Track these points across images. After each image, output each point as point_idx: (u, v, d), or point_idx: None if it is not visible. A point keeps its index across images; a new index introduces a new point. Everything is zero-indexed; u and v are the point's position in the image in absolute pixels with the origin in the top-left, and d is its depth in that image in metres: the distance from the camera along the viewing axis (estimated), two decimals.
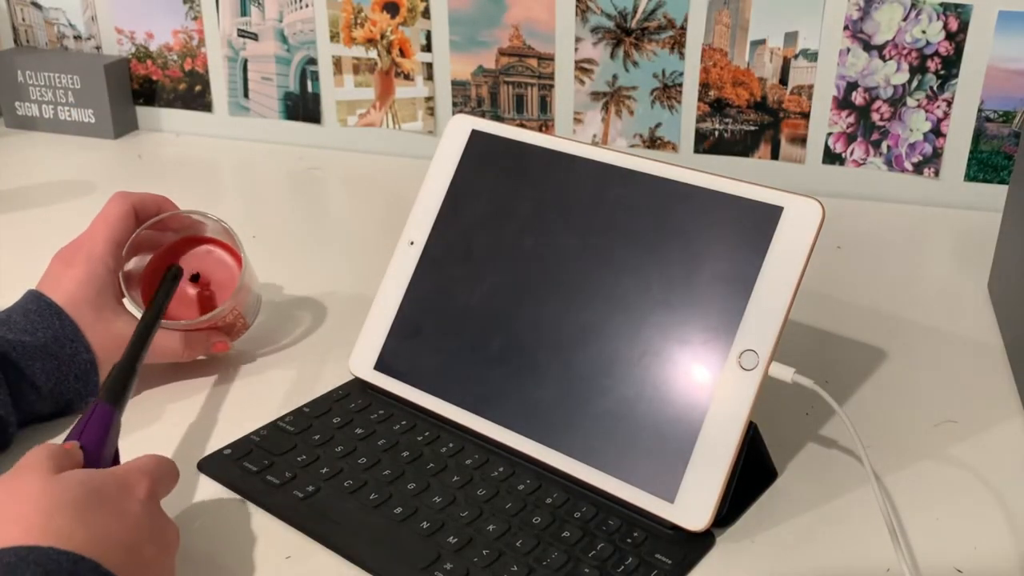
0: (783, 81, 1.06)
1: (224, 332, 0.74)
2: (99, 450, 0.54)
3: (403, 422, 0.67)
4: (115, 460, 0.56)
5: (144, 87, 1.27)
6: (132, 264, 0.72)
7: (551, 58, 1.12)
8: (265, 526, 0.59)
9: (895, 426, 0.69)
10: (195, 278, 0.73)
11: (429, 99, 1.18)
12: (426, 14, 1.14)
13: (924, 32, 1.01)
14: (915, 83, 1.03)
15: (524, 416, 0.64)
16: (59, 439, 0.65)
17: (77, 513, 0.46)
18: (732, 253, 0.60)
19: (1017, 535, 0.59)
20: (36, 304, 0.66)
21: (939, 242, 1.01)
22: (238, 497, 0.61)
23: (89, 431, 0.54)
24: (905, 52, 1.02)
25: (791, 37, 1.05)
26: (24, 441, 0.65)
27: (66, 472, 0.49)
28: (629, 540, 0.57)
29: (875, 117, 1.05)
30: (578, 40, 1.11)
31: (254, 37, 1.21)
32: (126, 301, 0.70)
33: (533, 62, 1.13)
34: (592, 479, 0.60)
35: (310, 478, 0.62)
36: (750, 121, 1.09)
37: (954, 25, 1.00)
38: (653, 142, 1.12)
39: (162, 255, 0.74)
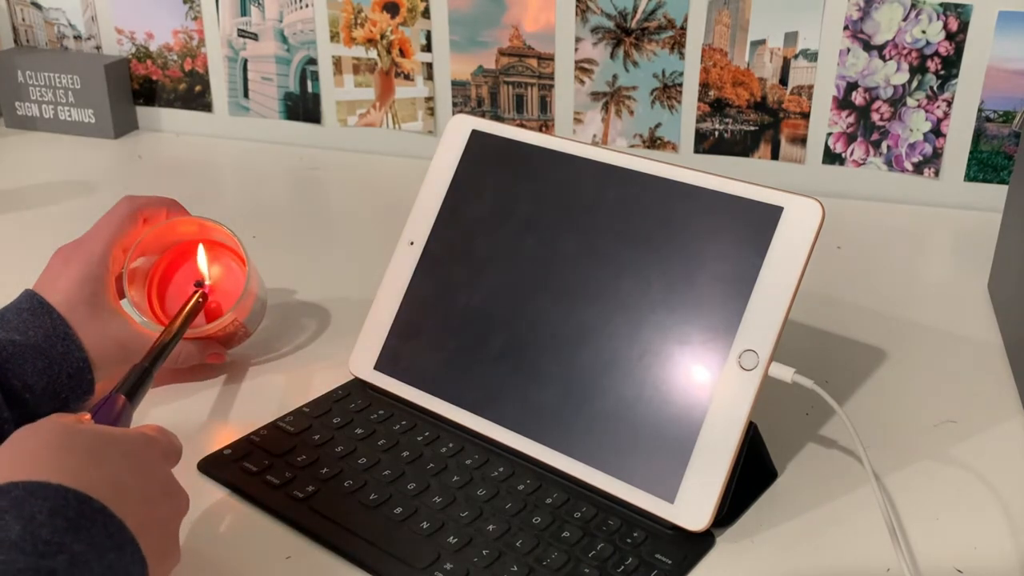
0: (783, 81, 1.06)
1: (223, 341, 0.74)
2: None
3: (403, 422, 0.67)
4: None
5: (144, 87, 1.27)
6: (137, 263, 0.72)
7: (551, 58, 1.12)
8: (265, 526, 0.59)
9: (895, 426, 0.69)
10: (199, 284, 0.73)
11: (429, 99, 1.18)
12: (426, 14, 1.14)
13: (924, 32, 1.01)
14: (915, 83, 1.03)
15: (524, 416, 0.64)
16: None
17: (91, 455, 0.46)
18: (732, 253, 0.60)
19: (1017, 535, 0.59)
20: (29, 303, 0.66)
21: (939, 242, 1.01)
22: (238, 497, 0.61)
23: (101, 414, 0.55)
24: (905, 52, 1.02)
25: (791, 37, 1.05)
26: None
27: (86, 424, 0.50)
28: (629, 540, 0.57)
29: (875, 117, 1.05)
30: (578, 40, 1.11)
31: (254, 37, 1.21)
32: (124, 302, 0.70)
33: (533, 62, 1.13)
34: (592, 479, 0.60)
35: (310, 478, 0.62)
36: (750, 121, 1.09)
37: (954, 25, 1.00)
38: (653, 142, 1.12)
39: (169, 257, 0.74)
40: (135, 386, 0.59)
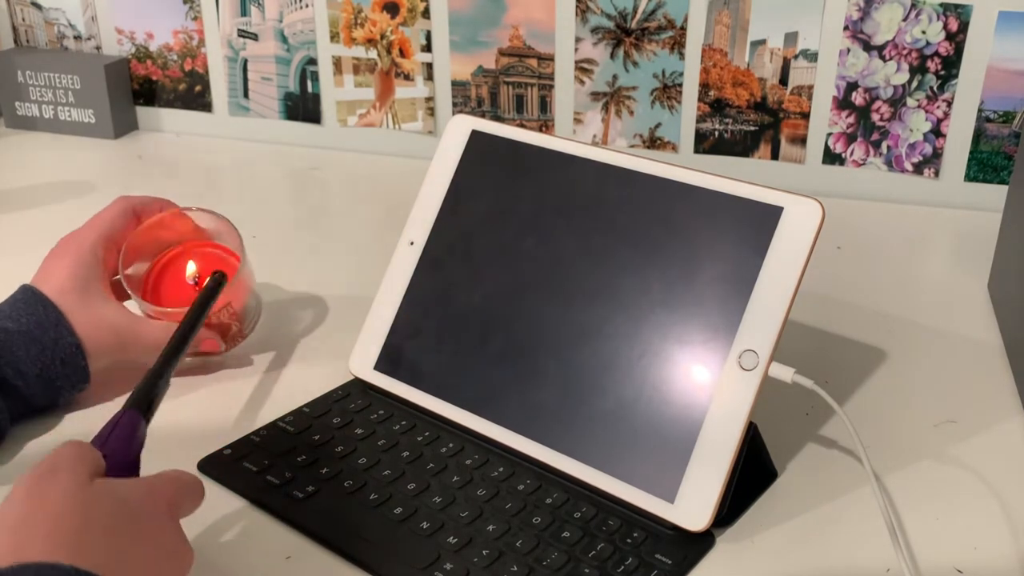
0: (783, 81, 1.06)
1: (216, 331, 0.73)
2: (122, 458, 0.53)
3: (403, 422, 0.67)
4: (136, 467, 0.54)
5: (144, 87, 1.27)
6: (133, 270, 0.72)
7: (551, 58, 1.12)
8: (265, 526, 0.59)
9: (895, 426, 0.69)
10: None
11: (429, 99, 1.18)
12: (426, 14, 1.14)
13: (924, 32, 1.01)
14: (915, 83, 1.03)
15: (524, 416, 0.64)
16: (59, 430, 0.66)
17: (104, 532, 0.46)
18: (732, 253, 0.60)
19: (1017, 535, 0.59)
20: (23, 295, 0.67)
21: (939, 242, 1.01)
22: (238, 497, 0.61)
23: (115, 439, 0.53)
24: (905, 52, 1.02)
25: (791, 37, 1.05)
26: (23, 438, 0.65)
27: (97, 482, 0.48)
28: (629, 540, 0.57)
29: (875, 117, 1.05)
30: (578, 40, 1.11)
31: (254, 37, 1.21)
32: (131, 303, 0.70)
33: (533, 62, 1.13)
34: (592, 479, 0.60)
35: (310, 478, 0.62)
36: (750, 121, 1.09)
37: (954, 25, 1.00)
38: (653, 142, 1.12)
39: (162, 262, 0.74)
40: (148, 399, 0.56)
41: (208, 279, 0.68)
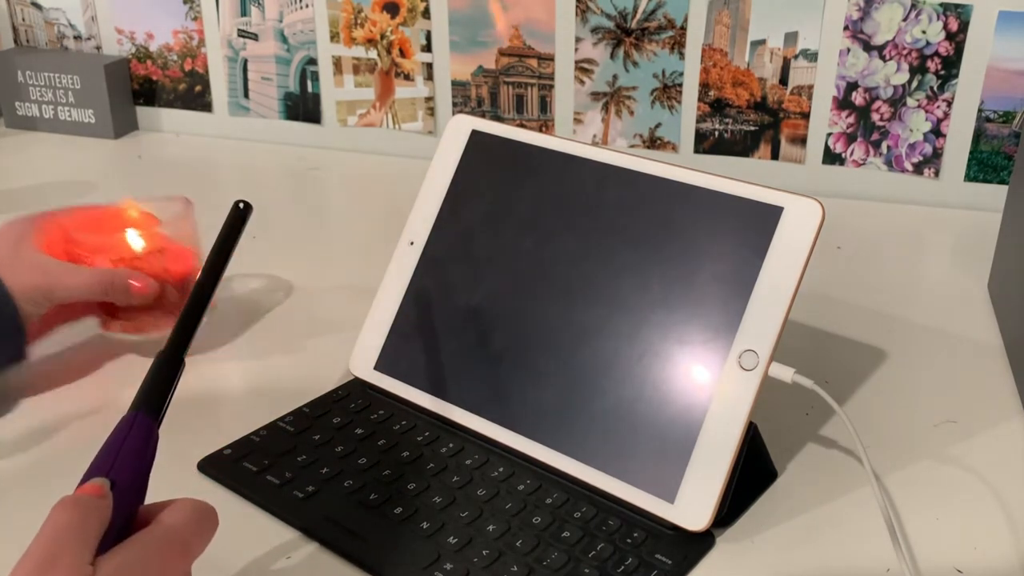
0: (783, 81, 1.06)
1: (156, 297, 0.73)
2: (133, 480, 0.46)
3: (403, 422, 0.67)
4: (146, 483, 0.48)
5: (144, 87, 1.27)
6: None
7: (551, 58, 1.12)
8: (265, 526, 0.59)
9: (895, 426, 0.69)
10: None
11: (429, 99, 1.18)
12: (426, 14, 1.14)
13: (924, 32, 1.01)
14: (915, 83, 1.03)
15: (524, 416, 0.64)
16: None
17: None
18: (732, 253, 0.60)
19: (1017, 535, 0.59)
20: None
21: (939, 242, 1.01)
22: (238, 497, 0.61)
23: (126, 452, 0.46)
24: (905, 52, 1.02)
25: (791, 37, 1.05)
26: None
27: (103, 569, 0.41)
28: (629, 540, 0.57)
29: (875, 117, 1.05)
30: (578, 40, 1.11)
31: (254, 37, 1.21)
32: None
33: (533, 62, 1.13)
34: (592, 479, 0.60)
35: (310, 478, 0.62)
36: (750, 121, 1.09)
37: (954, 25, 1.00)
38: (653, 142, 1.12)
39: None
40: (160, 395, 0.50)
41: (231, 209, 0.54)
